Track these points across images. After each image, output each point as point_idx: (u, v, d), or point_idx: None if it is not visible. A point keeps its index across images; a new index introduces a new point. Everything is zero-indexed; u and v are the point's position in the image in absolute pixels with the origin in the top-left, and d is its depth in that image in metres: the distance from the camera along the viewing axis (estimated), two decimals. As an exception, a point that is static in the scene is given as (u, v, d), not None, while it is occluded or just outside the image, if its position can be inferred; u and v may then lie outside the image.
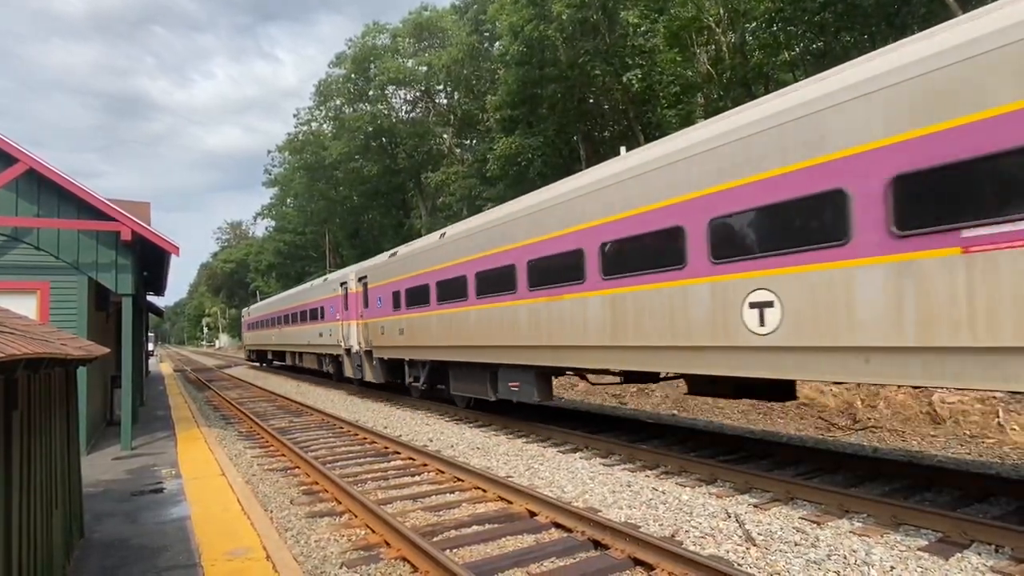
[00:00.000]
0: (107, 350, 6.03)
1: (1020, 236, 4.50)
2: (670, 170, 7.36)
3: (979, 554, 4.90)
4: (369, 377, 17.59)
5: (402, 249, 16.33)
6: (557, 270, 9.53)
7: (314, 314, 22.99)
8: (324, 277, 24.49)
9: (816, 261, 5.81)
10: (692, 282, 7.10)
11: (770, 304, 6.22)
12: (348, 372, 19.26)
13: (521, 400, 10.88)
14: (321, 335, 22.03)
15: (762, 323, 6.29)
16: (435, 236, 14.41)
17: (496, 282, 11.12)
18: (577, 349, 9.16)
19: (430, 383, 14.63)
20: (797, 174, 5.97)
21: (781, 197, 6.09)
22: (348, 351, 19.02)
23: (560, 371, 10.78)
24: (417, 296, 14.30)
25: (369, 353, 17.42)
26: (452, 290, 12.74)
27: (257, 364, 40.92)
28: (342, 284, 19.79)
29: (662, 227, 7.43)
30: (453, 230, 13.43)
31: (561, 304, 9.44)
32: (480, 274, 11.64)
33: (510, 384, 11.14)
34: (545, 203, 9.91)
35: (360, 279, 18.14)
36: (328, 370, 22.50)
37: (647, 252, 7.74)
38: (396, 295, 15.46)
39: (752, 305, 6.40)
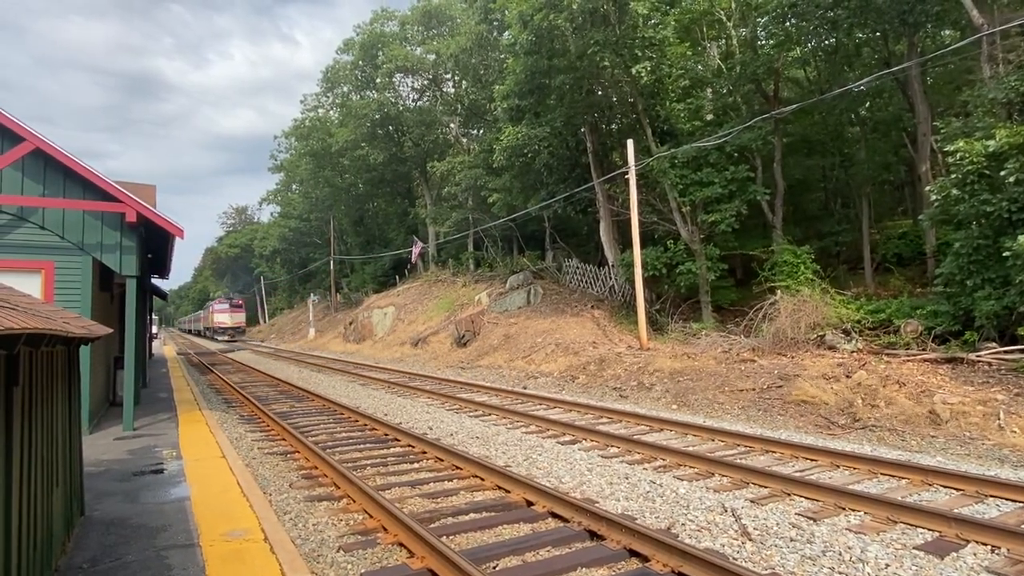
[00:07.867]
0: (109, 330, 6.05)
1: None
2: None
3: (975, 554, 4.90)
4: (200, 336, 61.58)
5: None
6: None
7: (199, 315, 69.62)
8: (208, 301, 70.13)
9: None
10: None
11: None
12: (203, 334, 56.36)
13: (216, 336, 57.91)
14: (199, 320, 68.57)
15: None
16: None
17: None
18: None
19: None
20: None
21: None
22: (204, 327, 59.98)
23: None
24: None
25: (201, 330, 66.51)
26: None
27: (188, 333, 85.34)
28: (205, 305, 65.48)
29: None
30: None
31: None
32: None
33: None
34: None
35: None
36: (204, 335, 61.77)
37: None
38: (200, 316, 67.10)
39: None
